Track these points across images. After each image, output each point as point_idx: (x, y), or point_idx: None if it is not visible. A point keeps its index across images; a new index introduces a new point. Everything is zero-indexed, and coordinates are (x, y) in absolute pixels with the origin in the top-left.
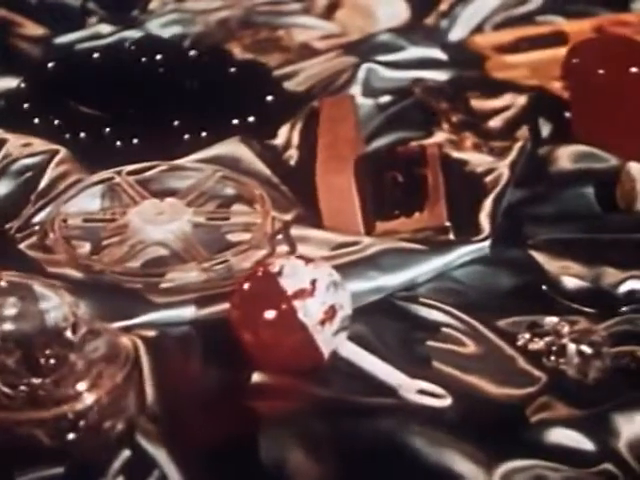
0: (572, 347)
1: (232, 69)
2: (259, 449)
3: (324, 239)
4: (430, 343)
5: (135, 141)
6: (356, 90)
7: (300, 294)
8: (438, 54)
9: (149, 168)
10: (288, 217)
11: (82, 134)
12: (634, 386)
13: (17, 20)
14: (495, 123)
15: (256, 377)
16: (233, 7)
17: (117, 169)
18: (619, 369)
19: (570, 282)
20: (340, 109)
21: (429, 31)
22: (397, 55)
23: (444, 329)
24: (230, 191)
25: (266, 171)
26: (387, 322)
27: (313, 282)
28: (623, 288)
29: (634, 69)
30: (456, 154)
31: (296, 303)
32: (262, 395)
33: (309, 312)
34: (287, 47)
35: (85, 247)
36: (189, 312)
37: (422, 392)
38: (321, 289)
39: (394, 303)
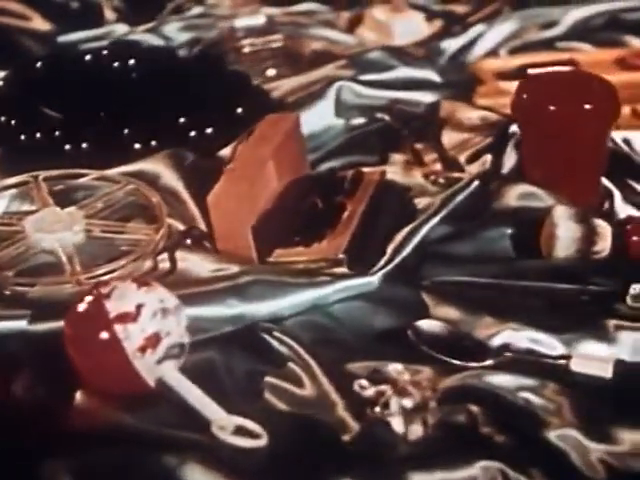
0: (395, 400)
1: (210, 78)
2: (33, 474)
3: (203, 261)
4: (271, 379)
5: (84, 146)
6: (329, 107)
7: (123, 318)
8: (431, 76)
9: (77, 175)
10: (185, 234)
11: (38, 135)
12: (461, 443)
13: (26, 14)
14: (462, 153)
15: (78, 397)
16: (255, 16)
17: (34, 174)
18: (450, 425)
19: (440, 329)
20: (275, 128)
21: (427, 52)
22: (384, 74)
23: (290, 365)
24: (134, 205)
25: (179, 188)
26: (240, 352)
27: (139, 307)
28: (497, 340)
29: (588, 106)
30: (403, 181)
31: (117, 327)
32: (75, 417)
33: (129, 337)
34: (288, 57)
35: None
36: (26, 325)
37: (240, 429)
38: (146, 315)
39: (254, 333)
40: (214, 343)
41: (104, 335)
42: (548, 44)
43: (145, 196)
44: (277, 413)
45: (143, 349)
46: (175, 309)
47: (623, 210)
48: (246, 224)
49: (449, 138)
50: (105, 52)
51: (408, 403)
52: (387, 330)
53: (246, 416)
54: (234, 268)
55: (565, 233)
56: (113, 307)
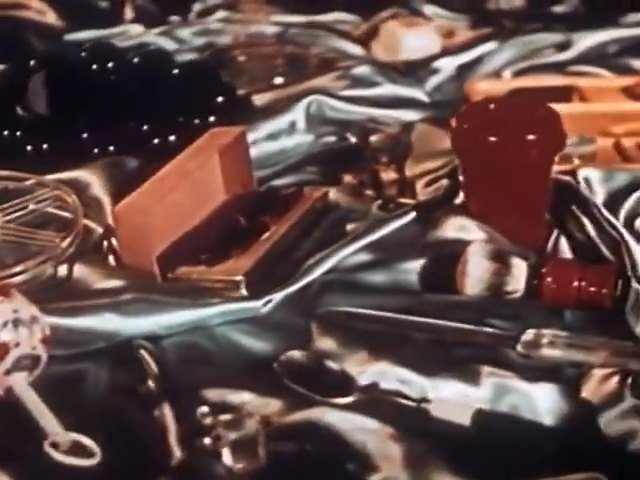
0: (225, 431)
1: (195, 85)
2: None
3: (99, 273)
4: (126, 397)
5: (45, 147)
6: (300, 122)
7: None
8: (418, 95)
9: (14, 178)
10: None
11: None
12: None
13: (38, 7)
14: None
15: None
16: (265, 23)
17: None
18: (278, 461)
19: (307, 361)
20: (213, 143)
21: (423, 69)
22: (369, 90)
23: (149, 385)
24: (54, 212)
25: (104, 197)
26: (109, 368)
27: None
28: (365, 377)
29: (531, 136)
30: (347, 204)
31: None
32: None
33: None
34: (295, 66)
35: None
36: None
37: (75, 446)
38: None
39: (127, 350)
40: (87, 357)
41: None
42: (558, 67)
43: (67, 203)
44: (119, 432)
45: None
46: (30, 320)
47: (568, 249)
48: (150, 239)
49: (415, 162)
50: (84, 54)
51: (235, 435)
52: (262, 357)
53: (92, 433)
54: (120, 283)
55: (474, 270)
56: None
